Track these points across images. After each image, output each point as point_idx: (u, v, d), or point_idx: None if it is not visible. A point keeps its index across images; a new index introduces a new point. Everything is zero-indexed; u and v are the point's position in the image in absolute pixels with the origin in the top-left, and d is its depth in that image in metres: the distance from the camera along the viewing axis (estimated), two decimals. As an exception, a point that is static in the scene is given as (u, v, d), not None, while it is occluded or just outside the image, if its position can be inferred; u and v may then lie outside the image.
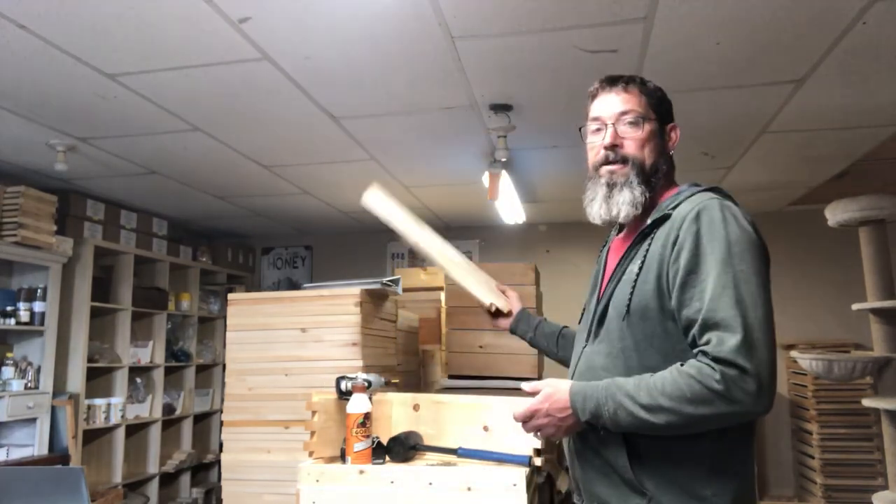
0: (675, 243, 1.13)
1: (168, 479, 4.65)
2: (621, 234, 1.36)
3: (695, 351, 1.08)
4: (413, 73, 2.49)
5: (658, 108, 1.29)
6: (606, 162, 1.26)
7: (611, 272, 1.28)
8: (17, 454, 3.49)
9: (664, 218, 1.19)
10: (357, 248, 5.56)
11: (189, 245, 5.03)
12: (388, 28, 2.14)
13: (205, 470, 5.06)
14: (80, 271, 3.94)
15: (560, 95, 2.68)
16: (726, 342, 1.02)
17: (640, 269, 1.17)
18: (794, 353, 3.51)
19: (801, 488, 4.61)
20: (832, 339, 4.70)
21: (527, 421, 1.17)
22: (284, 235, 5.75)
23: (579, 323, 1.39)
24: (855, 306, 3.19)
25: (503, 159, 3.13)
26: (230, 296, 2.46)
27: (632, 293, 1.16)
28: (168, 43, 2.21)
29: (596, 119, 1.29)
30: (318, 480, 1.68)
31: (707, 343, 1.05)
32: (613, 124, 1.26)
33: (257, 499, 2.95)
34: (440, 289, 3.12)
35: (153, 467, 4.42)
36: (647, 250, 1.17)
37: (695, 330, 1.07)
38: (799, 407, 4.61)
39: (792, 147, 3.43)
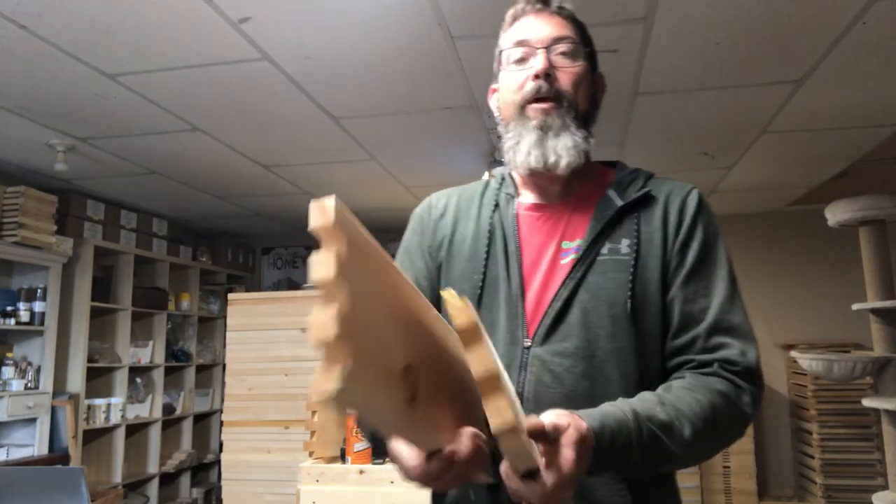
0: (678, 228, 0.95)
1: (168, 479, 4.65)
2: (532, 203, 1.04)
3: (706, 357, 0.90)
4: (413, 73, 2.49)
5: (590, 46, 1.06)
6: (537, 98, 0.97)
7: (546, 251, 0.97)
8: (17, 454, 3.49)
9: (646, 198, 0.98)
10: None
11: (189, 245, 5.03)
12: (388, 28, 2.14)
13: (205, 470, 5.06)
14: (80, 271, 3.94)
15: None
16: (749, 353, 0.88)
17: (637, 253, 0.93)
18: (794, 353, 3.51)
19: (801, 488, 4.61)
20: (832, 339, 4.70)
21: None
22: (284, 235, 5.75)
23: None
24: (855, 306, 3.19)
25: (503, 159, 3.13)
26: (230, 296, 2.46)
27: (631, 282, 0.91)
28: (168, 43, 2.21)
29: (522, 43, 1.00)
30: (318, 480, 1.68)
31: (722, 348, 0.89)
32: (545, 50, 0.98)
33: (257, 499, 2.95)
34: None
35: (153, 467, 4.42)
36: (638, 231, 0.95)
37: (699, 330, 0.91)
38: (799, 407, 4.61)
39: (792, 147, 3.43)
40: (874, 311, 3.11)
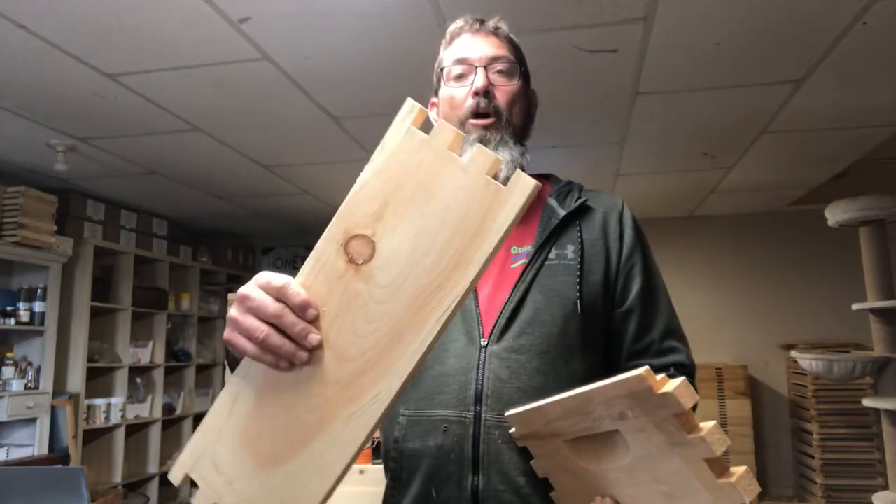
0: (620, 241, 1.04)
1: (168, 480, 4.65)
2: None
3: (662, 362, 1.00)
4: (413, 73, 2.49)
5: (525, 65, 1.11)
6: (476, 113, 1.02)
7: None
8: (17, 454, 3.49)
9: (584, 208, 1.06)
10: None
11: (189, 245, 5.03)
12: (388, 28, 2.14)
13: (205, 470, 5.06)
14: (80, 271, 3.94)
15: (560, 95, 2.68)
16: (690, 355, 1.02)
17: (581, 258, 1.00)
18: (794, 353, 3.51)
19: (801, 488, 4.61)
20: (832, 339, 4.70)
21: None
22: (284, 235, 5.75)
23: None
24: (855, 306, 3.19)
25: (503, 159, 3.13)
26: (230, 296, 2.46)
27: (579, 284, 0.99)
28: (168, 43, 2.21)
29: (462, 61, 1.06)
30: (317, 480, 1.67)
31: (673, 352, 1.01)
32: (484, 68, 1.04)
33: (257, 499, 2.95)
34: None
35: (153, 467, 4.42)
36: (581, 238, 1.02)
37: (654, 336, 1.01)
38: (799, 407, 4.61)
39: (792, 147, 3.43)
40: (874, 311, 3.11)
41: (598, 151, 3.54)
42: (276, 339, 0.61)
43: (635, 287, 1.02)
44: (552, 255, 1.01)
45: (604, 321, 1.01)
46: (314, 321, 0.61)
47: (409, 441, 0.97)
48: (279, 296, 0.63)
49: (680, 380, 0.66)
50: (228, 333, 0.65)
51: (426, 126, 0.60)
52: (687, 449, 0.67)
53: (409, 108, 0.61)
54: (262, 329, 0.62)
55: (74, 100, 2.68)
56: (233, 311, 0.65)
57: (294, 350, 0.61)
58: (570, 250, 1.01)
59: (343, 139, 3.22)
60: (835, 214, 3.29)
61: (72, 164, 3.44)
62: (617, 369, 0.89)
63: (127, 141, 3.20)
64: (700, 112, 2.92)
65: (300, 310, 0.61)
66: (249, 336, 0.62)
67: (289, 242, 5.79)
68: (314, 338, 0.61)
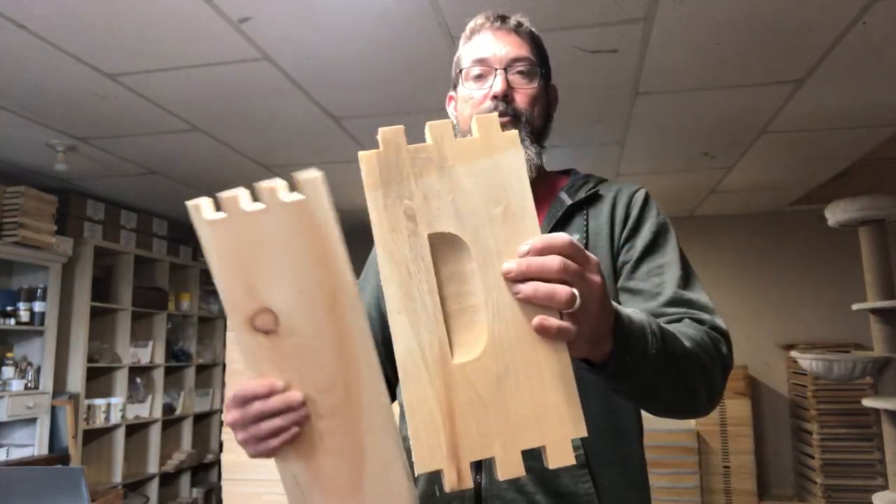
0: (625, 220, 1.00)
1: (168, 479, 4.65)
2: None
3: (673, 318, 0.90)
4: (413, 73, 2.49)
5: (546, 64, 1.10)
6: None
7: None
8: (17, 454, 3.49)
9: (594, 197, 1.04)
10: (357, 248, 5.54)
11: (189, 245, 5.03)
12: (388, 28, 2.14)
13: (205, 470, 5.06)
14: (80, 271, 3.94)
15: (560, 95, 2.67)
16: (717, 321, 0.89)
17: (586, 246, 0.97)
18: (794, 353, 3.51)
19: (801, 488, 4.61)
20: (832, 339, 4.70)
21: (566, 272, 0.60)
22: (284, 235, 5.74)
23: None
24: (855, 306, 3.19)
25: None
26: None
27: None
28: (168, 43, 2.21)
29: (481, 62, 1.04)
30: (318, 480, 1.67)
31: (685, 315, 0.90)
32: (504, 70, 1.02)
33: (257, 499, 2.95)
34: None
35: (153, 467, 4.42)
36: (587, 226, 1.01)
37: (654, 304, 0.92)
38: (799, 407, 4.61)
39: (792, 147, 3.43)
40: (874, 311, 3.11)
41: (598, 151, 3.53)
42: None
43: (632, 258, 0.97)
44: None
45: None
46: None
47: None
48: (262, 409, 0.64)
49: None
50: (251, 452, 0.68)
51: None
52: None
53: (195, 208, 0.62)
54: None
55: (74, 100, 2.68)
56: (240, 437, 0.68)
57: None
58: (574, 239, 0.96)
59: (343, 139, 3.22)
60: (835, 214, 3.29)
61: (72, 164, 3.44)
62: None
63: (127, 141, 3.20)
64: (700, 112, 2.92)
65: (285, 404, 0.63)
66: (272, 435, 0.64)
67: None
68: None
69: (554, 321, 0.58)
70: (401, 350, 0.57)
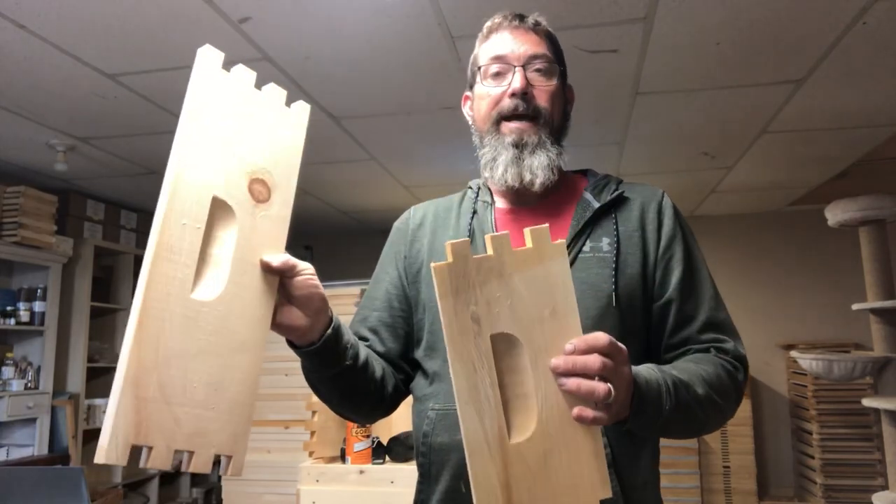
0: (658, 231, 1.01)
1: (168, 479, 4.65)
2: (509, 208, 1.09)
3: (702, 346, 0.97)
4: (413, 73, 2.49)
5: (563, 63, 1.08)
6: (514, 115, 1.01)
7: None
8: (17, 454, 3.49)
9: (619, 199, 1.04)
10: (357, 248, 5.56)
11: (189, 245, 5.03)
12: (387, 28, 2.14)
13: (205, 470, 5.06)
14: (80, 271, 3.94)
15: (560, 95, 2.68)
16: (738, 346, 0.97)
17: (617, 251, 0.98)
18: (794, 353, 3.51)
19: (801, 488, 4.61)
20: (832, 339, 4.70)
21: (600, 369, 0.72)
22: (284, 235, 5.75)
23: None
24: (855, 306, 3.19)
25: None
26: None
27: (615, 276, 0.97)
28: (168, 43, 2.21)
29: (499, 59, 1.03)
30: (318, 480, 1.68)
31: (715, 341, 0.96)
32: (523, 67, 1.01)
33: (257, 499, 2.95)
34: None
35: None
36: (617, 230, 1.00)
37: (693, 328, 0.97)
38: (799, 407, 4.61)
39: (792, 147, 3.43)
40: (874, 311, 3.11)
41: (598, 151, 3.54)
42: None
43: (673, 279, 0.99)
44: (586, 247, 0.99)
45: (643, 317, 0.99)
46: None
47: (438, 435, 0.97)
48: None
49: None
50: None
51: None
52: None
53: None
54: None
55: (74, 100, 2.68)
56: None
57: None
58: (605, 242, 1.00)
59: (343, 139, 3.22)
60: (835, 214, 3.29)
61: (72, 164, 3.44)
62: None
63: (127, 141, 3.20)
64: (700, 112, 2.92)
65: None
66: None
67: (288, 242, 5.79)
68: None
69: (590, 412, 0.72)
70: (468, 432, 0.68)
